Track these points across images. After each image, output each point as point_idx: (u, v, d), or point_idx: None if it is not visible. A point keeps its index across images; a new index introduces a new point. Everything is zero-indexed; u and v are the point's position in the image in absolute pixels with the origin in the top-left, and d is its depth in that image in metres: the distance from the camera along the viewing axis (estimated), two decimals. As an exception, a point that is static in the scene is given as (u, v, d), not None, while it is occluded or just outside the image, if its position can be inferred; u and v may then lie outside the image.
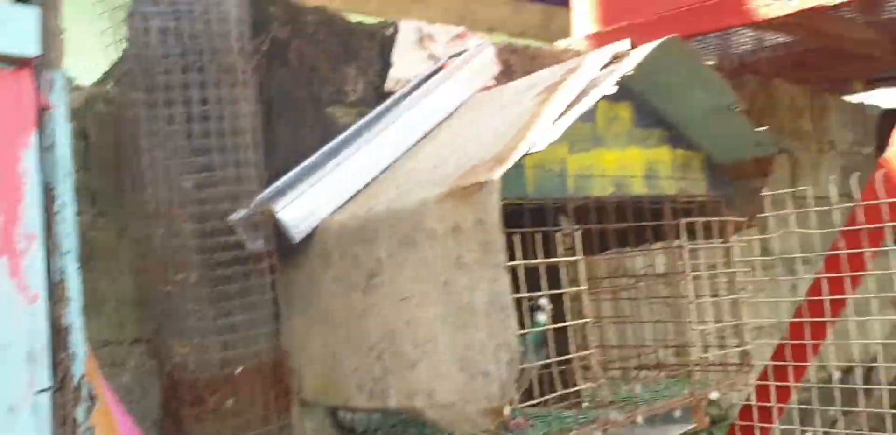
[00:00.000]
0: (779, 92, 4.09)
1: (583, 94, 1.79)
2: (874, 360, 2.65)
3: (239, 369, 1.66)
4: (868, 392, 2.54)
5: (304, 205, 1.83)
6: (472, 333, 1.49)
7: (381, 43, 2.37)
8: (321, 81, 2.19)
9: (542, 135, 1.65)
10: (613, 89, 1.73)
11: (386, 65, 2.36)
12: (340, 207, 1.89)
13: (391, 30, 2.37)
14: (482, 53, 2.37)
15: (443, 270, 1.56)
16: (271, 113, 2.03)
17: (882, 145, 4.83)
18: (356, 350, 1.69)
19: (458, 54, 2.39)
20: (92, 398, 1.08)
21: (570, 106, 1.75)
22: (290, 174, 1.92)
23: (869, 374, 2.99)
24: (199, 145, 1.68)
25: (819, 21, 3.47)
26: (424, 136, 2.12)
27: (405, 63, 2.36)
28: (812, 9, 2.83)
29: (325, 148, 2.03)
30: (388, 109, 2.16)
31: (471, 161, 1.73)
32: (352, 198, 1.92)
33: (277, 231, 1.79)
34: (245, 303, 1.71)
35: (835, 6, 2.79)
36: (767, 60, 4.16)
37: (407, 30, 2.39)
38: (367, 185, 1.95)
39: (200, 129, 1.68)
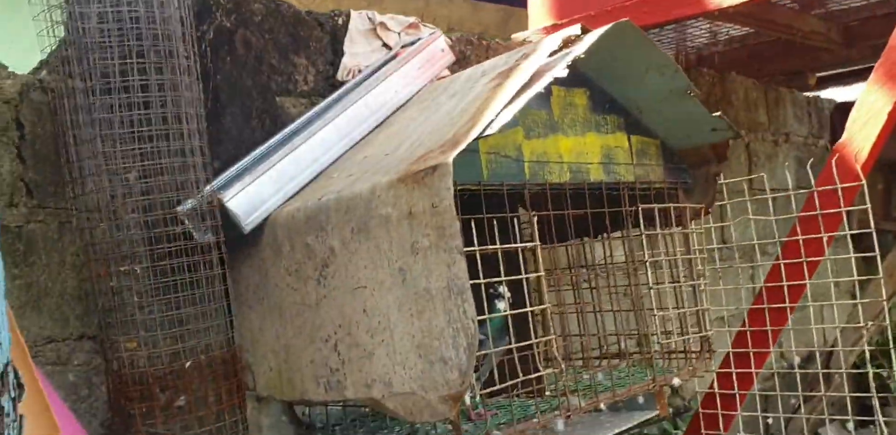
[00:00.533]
0: (734, 85, 4.13)
1: (535, 78, 1.76)
2: (833, 345, 2.66)
3: (188, 363, 1.60)
4: (828, 377, 2.55)
5: (254, 195, 1.78)
6: (429, 319, 1.46)
7: (331, 32, 2.33)
8: (270, 71, 2.14)
9: (496, 118, 1.63)
10: (565, 72, 1.71)
11: (337, 54, 2.32)
12: (292, 197, 1.84)
13: (342, 19, 2.33)
14: (434, 43, 2.35)
15: (398, 256, 1.53)
16: (218, 102, 1.98)
17: (836, 138, 4.90)
18: (311, 342, 1.65)
19: (411, 44, 2.35)
20: (20, 387, 1.02)
21: (523, 89, 1.73)
22: (240, 164, 1.87)
23: (828, 359, 3.01)
24: (141, 133, 1.62)
25: (770, 12, 3.50)
26: (377, 126, 2.08)
27: (357, 52, 2.32)
28: (763, -1, 2.84)
29: (276, 137, 1.98)
30: (339, 99, 2.11)
31: (423, 147, 1.69)
32: (303, 188, 1.87)
33: (227, 221, 1.73)
34: (194, 295, 1.65)
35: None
36: (722, 54, 4.19)
37: (358, 19, 2.35)
38: (319, 174, 1.91)
39: (142, 116, 1.62)
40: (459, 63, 2.58)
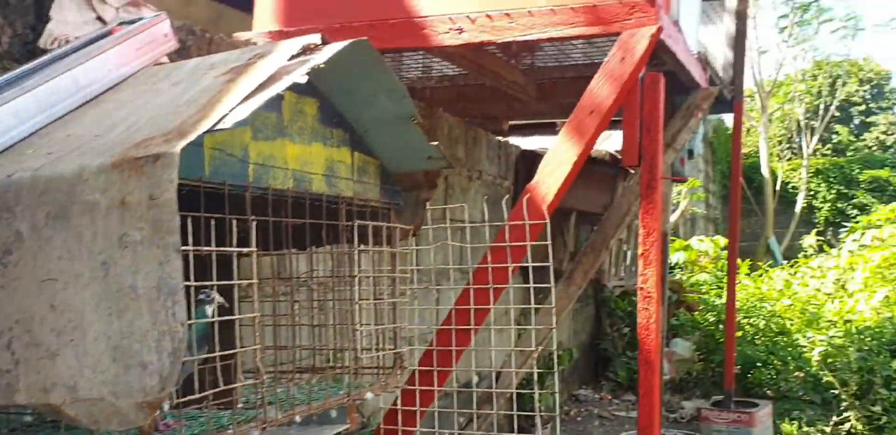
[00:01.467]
0: (441, 121, 4.38)
1: (272, 80, 1.72)
2: (505, 365, 2.89)
3: None
4: (499, 395, 2.75)
5: (-78, 163, 1.50)
6: (131, 319, 1.33)
7: (38, -6, 2.08)
8: (-42, 24, 1.84)
9: (230, 114, 1.55)
10: (304, 78, 1.69)
11: (41, 19, 2.07)
12: (-29, 172, 1.58)
13: (53, -19, 2.09)
14: (158, 25, 2.19)
15: (102, 248, 1.37)
16: None
17: (519, 179, 5.41)
18: (-23, 339, 1.41)
19: (131, 22, 2.17)
20: None
21: (259, 88, 1.67)
22: None
23: (496, 380, 3.26)
24: None
25: (482, 57, 3.79)
26: (84, 103, 1.88)
27: (67, 21, 2.08)
28: (480, 43, 3.06)
29: (-44, 101, 1.70)
30: (40, 67, 1.88)
31: (142, 133, 1.56)
32: (-13, 162, 1.62)
33: None
34: None
35: (498, 45, 3.05)
36: (433, 90, 4.45)
37: (74, -14, 2.12)
38: (7, 148, 1.67)
39: None
40: (179, 53, 2.43)
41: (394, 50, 3.48)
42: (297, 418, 1.73)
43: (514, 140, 5.81)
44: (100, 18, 2.19)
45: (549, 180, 2.80)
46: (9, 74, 1.84)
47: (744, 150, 18.20)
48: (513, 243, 2.66)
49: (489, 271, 2.64)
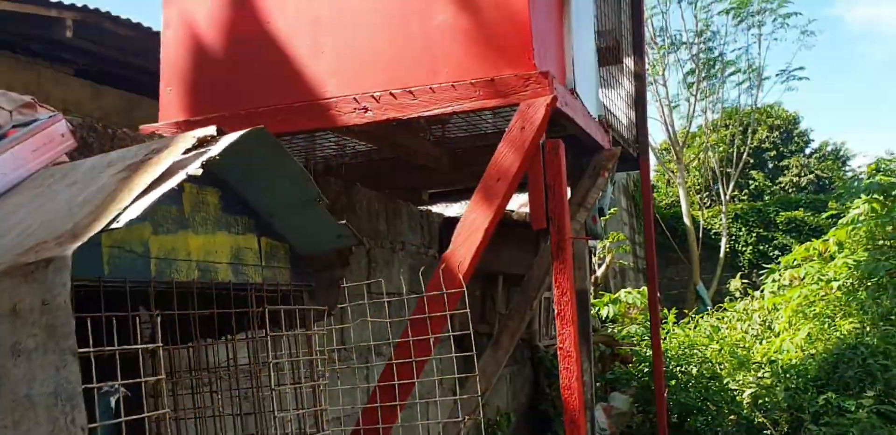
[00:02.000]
0: (358, 195, 4.43)
1: (167, 175, 1.74)
2: (438, 439, 2.87)
3: None
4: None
5: None
6: (27, 430, 1.30)
7: (-72, 101, 2.07)
8: None
9: (124, 212, 1.56)
10: (199, 171, 1.71)
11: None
12: None
13: (-58, 89, 2.09)
14: (54, 126, 2.20)
15: (-7, 358, 1.35)
16: None
17: (443, 248, 5.46)
18: None
19: (26, 124, 2.18)
20: None
21: (153, 185, 1.69)
22: None
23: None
24: None
25: (392, 133, 3.88)
26: (-23, 210, 1.86)
27: (-41, 127, 2.08)
28: (386, 120, 3.15)
29: None
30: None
31: (34, 237, 1.55)
32: None
33: None
34: None
35: (403, 120, 3.14)
36: (349, 166, 4.51)
37: (-36, 91, 2.13)
38: None
39: None
40: (80, 150, 2.44)
41: (304, 131, 3.54)
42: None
43: (438, 208, 5.89)
44: (-6, 122, 2.20)
45: (462, 249, 2.85)
46: None
47: (665, 201, 18.82)
48: (432, 314, 2.68)
49: (410, 345, 2.65)
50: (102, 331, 1.53)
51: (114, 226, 1.50)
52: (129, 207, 1.58)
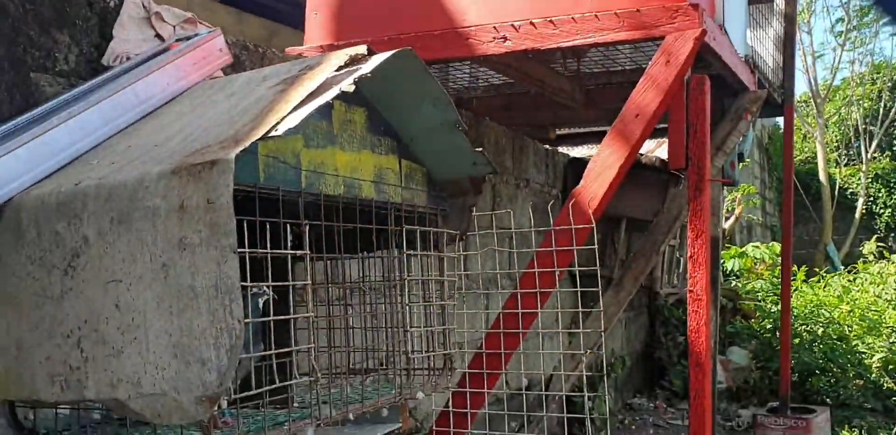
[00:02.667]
0: (487, 130, 4.42)
1: (321, 90, 1.78)
2: (556, 370, 2.91)
3: None
4: (550, 398, 2.77)
5: (-4, 173, 1.60)
6: (191, 318, 1.39)
7: (100, 14, 2.18)
8: (28, 43, 1.95)
9: (282, 121, 1.62)
10: (351, 87, 1.74)
11: (105, 38, 2.17)
12: (41, 181, 1.68)
13: (114, 2, 2.19)
14: (213, 41, 2.28)
15: (163, 251, 1.45)
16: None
17: (567, 187, 5.41)
18: (49, 337, 1.50)
19: (188, 38, 2.27)
20: None
21: (308, 98, 1.73)
22: (-19, 139, 1.68)
23: (548, 384, 3.27)
24: None
25: (528, 66, 3.83)
26: (144, 116, 1.97)
27: (128, 39, 2.19)
28: (524, 50, 3.10)
29: (26, 115, 1.80)
30: (104, 83, 1.98)
31: (199, 141, 1.63)
32: (55, 172, 1.72)
33: (-40, 200, 1.54)
34: None
35: (542, 51, 3.08)
36: (480, 100, 4.49)
37: (132, 5, 2.23)
38: (76, 159, 1.77)
39: None
40: (234, 67, 2.53)
41: (440, 60, 3.54)
42: (351, 416, 1.78)
43: (564, 149, 5.82)
44: (158, 36, 2.30)
45: (594, 185, 2.81)
46: (75, 90, 1.94)
47: (801, 157, 17.88)
48: (559, 248, 2.67)
49: (536, 276, 2.66)
50: (256, 235, 1.61)
51: (273, 134, 1.56)
52: (287, 118, 1.63)
